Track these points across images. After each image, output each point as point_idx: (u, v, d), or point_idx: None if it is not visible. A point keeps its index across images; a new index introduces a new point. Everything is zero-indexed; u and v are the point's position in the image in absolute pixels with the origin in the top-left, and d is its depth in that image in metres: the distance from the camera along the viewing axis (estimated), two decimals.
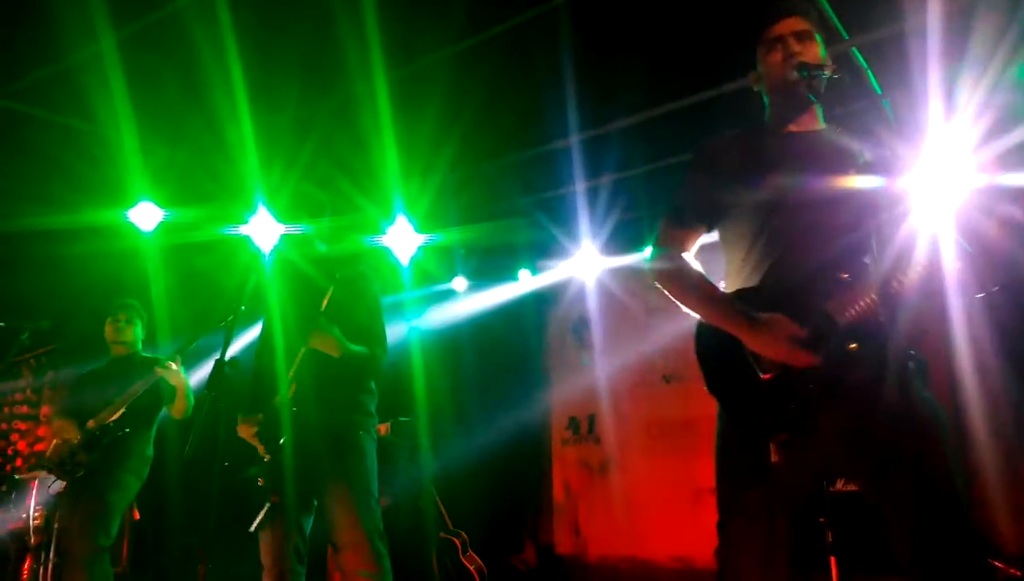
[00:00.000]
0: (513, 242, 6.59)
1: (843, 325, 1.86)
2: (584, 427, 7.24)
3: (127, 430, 4.08)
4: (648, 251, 2.24)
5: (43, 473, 4.26)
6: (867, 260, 1.94)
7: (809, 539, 2.06)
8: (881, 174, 1.88)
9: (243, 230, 5.48)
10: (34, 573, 4.99)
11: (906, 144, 2.08)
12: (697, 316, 2.10)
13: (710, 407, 2.09)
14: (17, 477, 5.33)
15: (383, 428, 6.01)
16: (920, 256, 1.87)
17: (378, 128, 4.57)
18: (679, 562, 6.29)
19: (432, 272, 7.10)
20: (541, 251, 6.89)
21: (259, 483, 2.94)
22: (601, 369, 7.07)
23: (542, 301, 7.54)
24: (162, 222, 5.48)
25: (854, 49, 4.11)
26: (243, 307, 2.98)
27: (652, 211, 5.81)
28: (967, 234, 1.81)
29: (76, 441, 4.04)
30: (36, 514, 5.08)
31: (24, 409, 7.97)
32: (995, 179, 4.28)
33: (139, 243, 5.59)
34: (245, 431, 3.02)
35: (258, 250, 5.42)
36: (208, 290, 5.88)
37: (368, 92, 4.38)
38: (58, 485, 4.10)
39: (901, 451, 1.80)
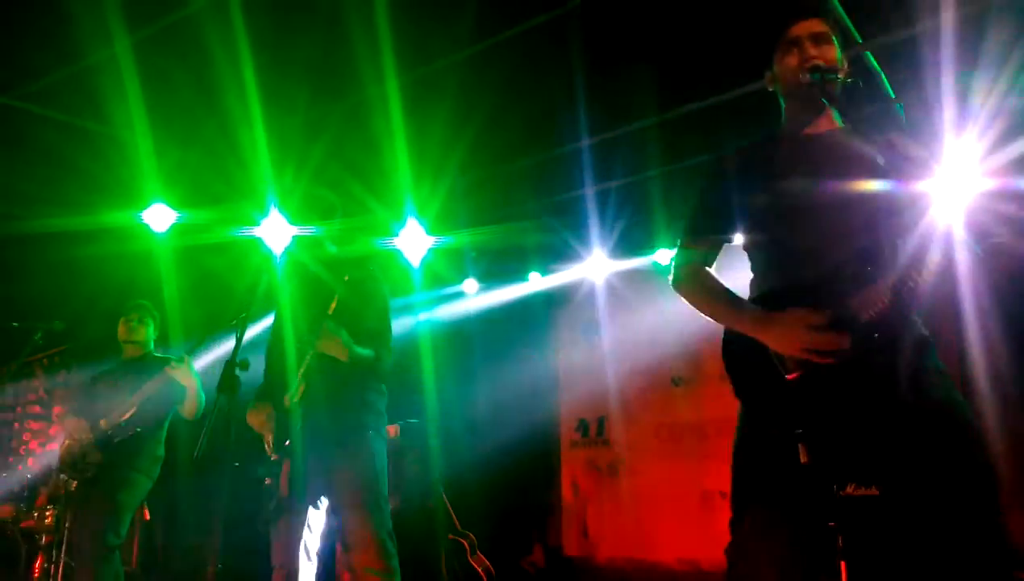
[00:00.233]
0: (523, 245, 6.59)
1: (866, 320, 1.87)
2: (593, 429, 7.24)
3: (138, 430, 4.10)
4: (662, 260, 2.27)
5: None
6: (885, 258, 1.94)
7: (819, 543, 2.05)
8: (896, 176, 1.88)
9: (255, 232, 5.51)
10: (45, 572, 5.02)
11: (920, 147, 2.08)
12: (717, 322, 2.11)
13: (719, 410, 2.09)
14: (29, 476, 5.37)
15: (392, 430, 6.02)
16: (934, 256, 1.87)
17: (390, 131, 4.58)
18: (687, 564, 6.28)
19: (442, 274, 7.11)
20: (551, 254, 6.89)
21: (266, 482, 2.96)
22: (610, 371, 7.07)
23: (552, 303, 7.54)
24: (175, 223, 5.51)
25: (867, 52, 4.10)
26: (254, 308, 3.00)
27: (662, 214, 5.81)
28: (975, 235, 1.80)
29: (88, 441, 4.06)
30: (47, 513, 5.11)
31: (37, 409, 8.03)
32: (1007, 183, 4.26)
33: (152, 244, 5.62)
34: (255, 419, 3.03)
35: (270, 251, 5.45)
36: (220, 291, 5.90)
37: (380, 95, 4.40)
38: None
39: (928, 456, 1.79)
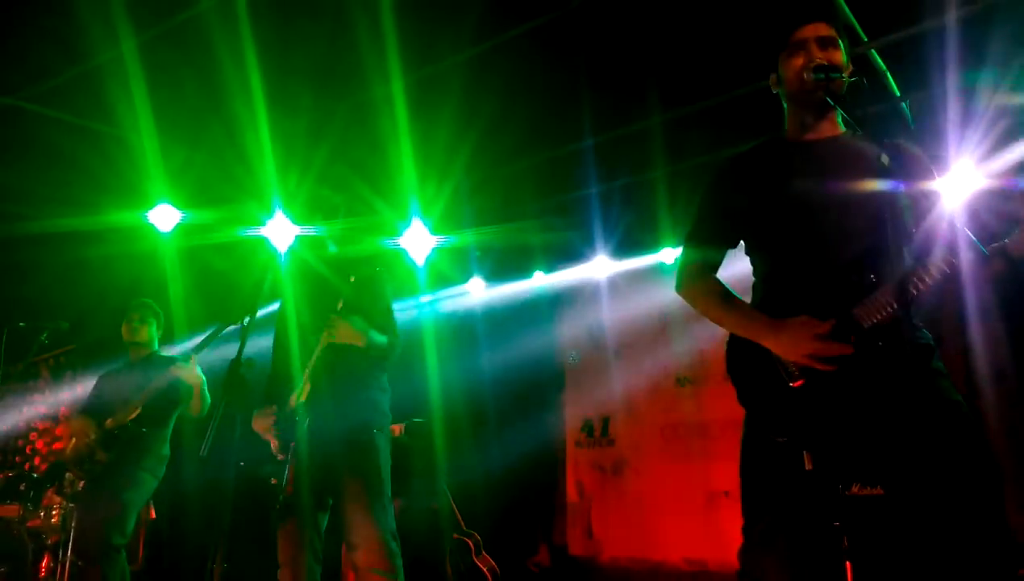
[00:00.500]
0: (528, 244, 6.59)
1: (869, 327, 1.87)
2: (598, 429, 7.24)
3: (144, 429, 4.10)
4: (666, 254, 2.28)
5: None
6: (888, 262, 1.94)
7: (829, 548, 2.05)
8: (900, 178, 1.88)
9: (260, 232, 5.52)
10: (51, 571, 5.03)
11: (925, 147, 2.09)
12: (722, 327, 2.12)
13: (724, 410, 2.10)
14: (35, 476, 5.38)
15: (397, 429, 6.03)
16: (939, 257, 1.87)
17: (394, 131, 4.59)
18: (692, 564, 6.27)
19: (447, 274, 7.12)
20: (556, 253, 6.89)
21: (272, 482, 2.96)
22: (615, 371, 7.07)
23: (557, 303, 7.54)
24: (180, 223, 5.52)
25: (872, 52, 4.09)
26: (259, 307, 3.00)
27: (667, 213, 5.81)
28: (978, 233, 1.80)
29: (94, 440, 4.07)
30: (54, 512, 5.13)
31: (43, 408, 8.06)
32: (1011, 182, 4.26)
33: (158, 244, 5.64)
34: (260, 424, 3.03)
35: (275, 251, 5.46)
36: (225, 290, 5.92)
37: (385, 96, 4.41)
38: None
39: (932, 457, 1.79)
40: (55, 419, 8.04)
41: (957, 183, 4.60)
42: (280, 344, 3.29)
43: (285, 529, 2.93)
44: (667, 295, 2.25)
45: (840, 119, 2.15)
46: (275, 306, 3.42)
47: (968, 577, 1.73)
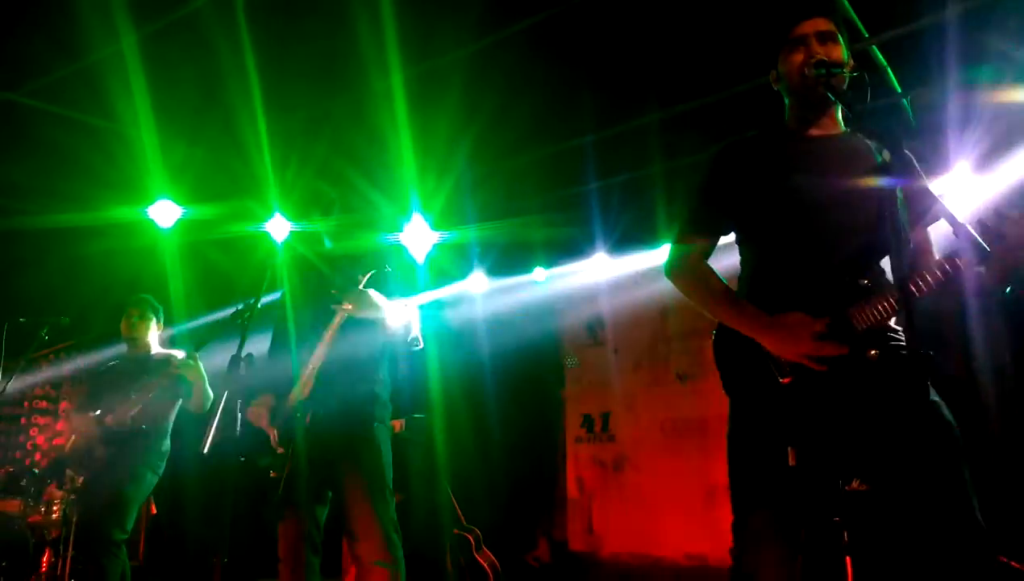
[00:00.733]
0: (528, 240, 6.59)
1: (863, 331, 1.87)
2: (598, 425, 7.24)
3: (144, 426, 4.11)
4: (666, 252, 2.26)
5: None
6: (885, 262, 1.94)
7: (824, 539, 2.06)
8: (900, 176, 1.87)
9: (261, 226, 5.52)
10: (52, 566, 5.04)
11: (926, 144, 2.09)
12: (715, 318, 2.11)
13: (724, 406, 2.10)
14: (36, 471, 5.39)
15: (397, 425, 6.03)
16: (940, 258, 1.87)
17: (395, 126, 4.58)
18: (692, 560, 6.28)
19: (448, 270, 7.12)
20: (556, 249, 6.89)
21: (272, 475, 2.96)
22: (615, 367, 7.07)
23: (557, 299, 7.54)
24: (180, 219, 5.52)
25: (873, 47, 4.08)
26: (257, 302, 3.00)
27: (668, 209, 5.80)
28: (986, 234, 1.80)
29: (94, 436, 4.07)
30: (55, 507, 5.14)
31: (43, 404, 8.06)
32: (1015, 179, 4.25)
33: (158, 240, 5.64)
34: (254, 414, 3.03)
35: (275, 246, 5.46)
36: (226, 286, 5.92)
37: (385, 90, 4.40)
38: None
39: (913, 455, 1.80)
40: (56, 415, 8.04)
41: (960, 181, 4.59)
42: (278, 339, 3.29)
43: (284, 523, 2.94)
44: (667, 291, 2.23)
45: (840, 116, 2.14)
46: (274, 300, 3.41)
47: (947, 567, 1.73)
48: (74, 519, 4.20)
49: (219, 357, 5.17)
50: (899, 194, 1.91)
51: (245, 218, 5.53)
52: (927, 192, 1.84)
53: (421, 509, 6.01)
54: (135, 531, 4.51)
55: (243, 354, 2.82)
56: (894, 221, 1.85)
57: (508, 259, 7.11)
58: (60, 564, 4.82)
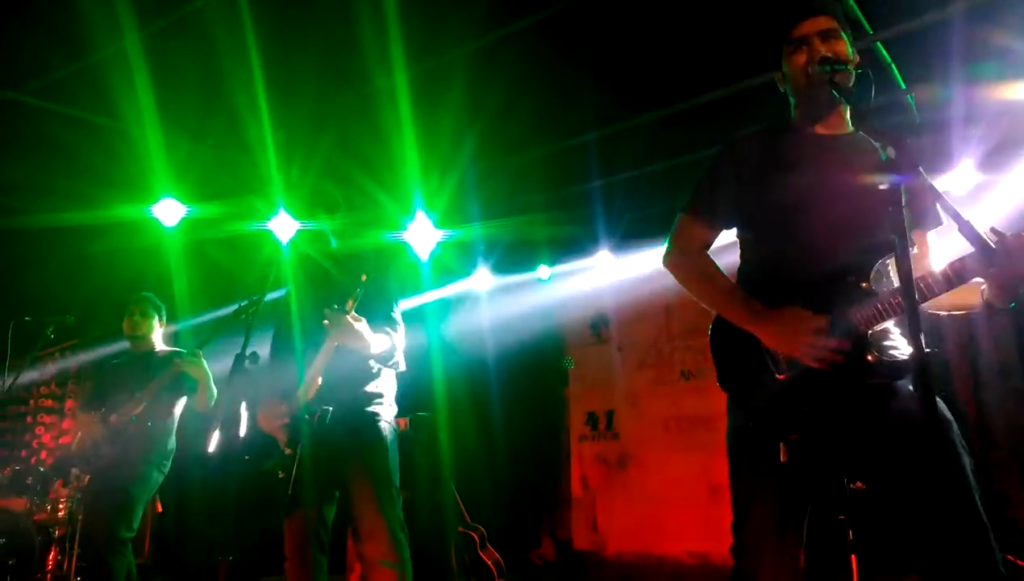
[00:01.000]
0: (532, 238, 6.59)
1: (864, 334, 1.86)
2: (602, 423, 7.24)
3: (149, 424, 4.11)
4: (666, 244, 2.25)
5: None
6: (889, 262, 1.93)
7: (829, 537, 2.06)
8: (904, 176, 1.87)
9: (264, 225, 5.53)
10: (58, 564, 5.06)
11: (929, 141, 2.08)
12: (711, 308, 2.10)
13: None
14: (42, 470, 5.41)
15: (402, 423, 6.04)
16: (949, 262, 1.86)
17: (398, 124, 4.58)
18: (696, 558, 6.28)
19: (451, 268, 7.12)
20: (560, 246, 6.89)
21: (280, 475, 2.97)
22: (619, 365, 7.07)
23: (561, 296, 7.54)
24: (184, 217, 5.53)
25: (877, 44, 4.08)
26: (263, 301, 3.00)
27: (671, 207, 5.79)
28: (990, 233, 1.79)
29: (99, 435, 4.08)
30: (60, 506, 5.15)
31: (49, 403, 8.09)
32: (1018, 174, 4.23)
33: (162, 238, 5.65)
34: (266, 421, 3.03)
35: (279, 245, 5.46)
36: (230, 284, 5.93)
37: (388, 88, 4.40)
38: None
39: (912, 454, 1.79)
40: (61, 413, 8.07)
41: (963, 177, 4.58)
42: (282, 340, 3.29)
43: (291, 521, 2.94)
44: (671, 288, 2.23)
45: (848, 115, 2.13)
46: (277, 298, 3.40)
47: (952, 563, 1.73)
48: (80, 517, 4.21)
49: (223, 354, 5.19)
50: (903, 194, 1.91)
51: (249, 217, 5.53)
52: (931, 192, 1.84)
53: (426, 507, 6.02)
54: (141, 529, 4.52)
55: (248, 352, 2.82)
56: (897, 222, 1.84)
57: (512, 257, 7.12)
58: (66, 562, 4.84)
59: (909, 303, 1.61)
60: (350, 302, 2.84)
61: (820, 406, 1.88)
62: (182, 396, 4.27)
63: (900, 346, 1.90)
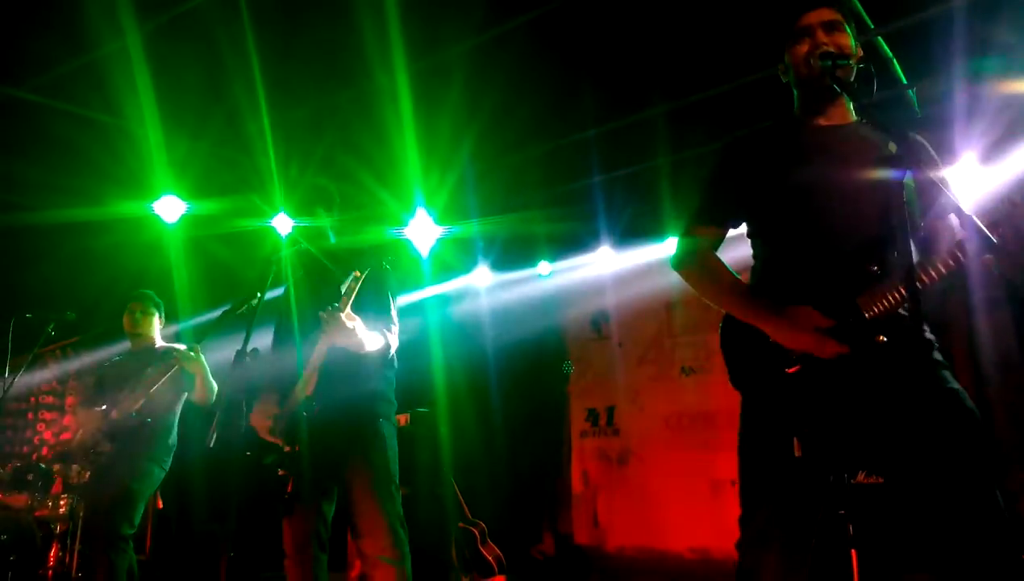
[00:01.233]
0: (533, 234, 6.59)
1: (871, 318, 1.86)
2: (603, 419, 7.25)
3: (148, 419, 4.11)
4: (672, 245, 2.25)
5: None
6: (894, 252, 1.93)
7: (830, 532, 2.06)
8: (908, 166, 1.86)
9: (266, 222, 5.53)
10: (60, 560, 5.06)
11: (932, 135, 2.07)
12: (723, 310, 2.10)
13: (729, 399, 2.09)
14: (43, 466, 5.41)
15: (402, 419, 6.04)
16: (948, 248, 1.86)
17: (399, 121, 4.58)
18: (697, 553, 6.29)
19: (452, 264, 7.12)
20: (561, 242, 6.89)
21: (280, 473, 2.97)
22: (620, 361, 7.07)
23: (561, 293, 7.54)
24: (185, 214, 5.53)
25: (879, 39, 4.07)
26: (262, 297, 3.00)
27: (672, 202, 5.79)
28: (993, 225, 1.79)
29: (99, 432, 4.08)
30: (61, 502, 5.15)
31: (50, 399, 8.09)
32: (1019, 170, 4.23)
33: (163, 235, 5.65)
34: (259, 423, 3.03)
35: (280, 241, 5.46)
36: (231, 281, 5.93)
37: (389, 85, 4.40)
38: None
39: (929, 445, 1.79)
40: (62, 410, 8.07)
41: (964, 172, 4.58)
42: (282, 335, 3.29)
43: (291, 518, 2.95)
44: (672, 284, 2.23)
45: (850, 106, 2.13)
46: (277, 295, 3.40)
47: (973, 562, 1.73)
48: (81, 514, 4.21)
49: (224, 351, 5.20)
50: (909, 184, 1.91)
51: (250, 213, 5.54)
52: (935, 183, 1.83)
53: (426, 503, 6.03)
54: (142, 525, 4.52)
55: (248, 348, 2.82)
56: (901, 211, 1.85)
57: (512, 253, 7.12)
58: (67, 558, 4.84)
59: (911, 293, 1.61)
60: (344, 300, 2.83)
61: (833, 397, 1.88)
62: (182, 391, 4.27)
63: (909, 327, 1.90)
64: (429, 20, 3.94)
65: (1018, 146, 4.37)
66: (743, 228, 2.25)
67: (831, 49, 1.99)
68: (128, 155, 4.98)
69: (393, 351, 3.11)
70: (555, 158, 5.44)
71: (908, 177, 1.89)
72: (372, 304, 3.07)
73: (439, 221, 6.27)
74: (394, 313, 3.21)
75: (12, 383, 4.43)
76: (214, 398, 4.17)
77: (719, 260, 2.16)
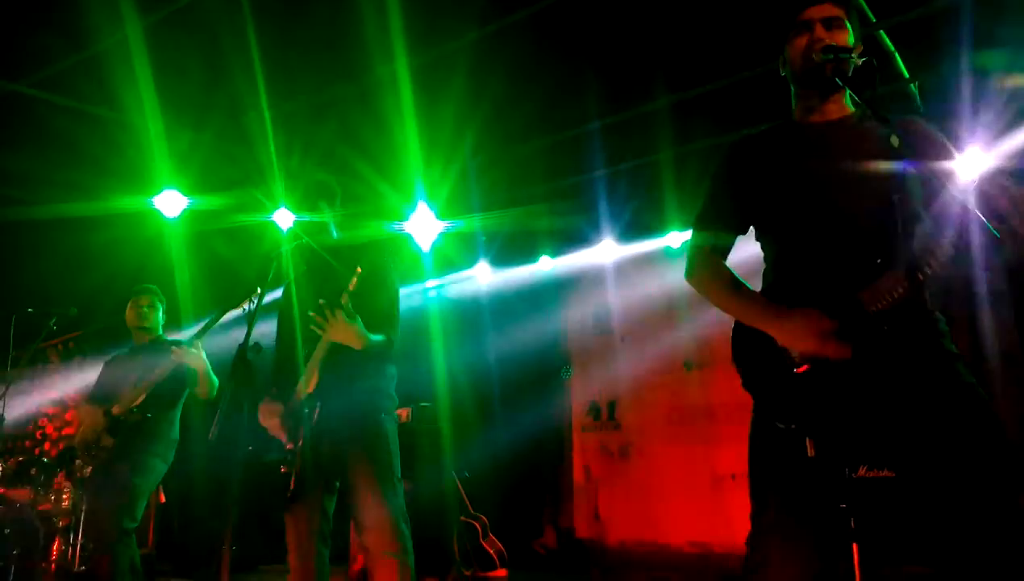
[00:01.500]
0: (534, 228, 6.58)
1: (874, 313, 1.86)
2: (604, 413, 7.25)
3: (149, 414, 4.11)
4: (673, 243, 2.26)
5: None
6: (898, 244, 1.93)
7: (836, 532, 2.06)
8: (910, 158, 1.86)
9: (266, 217, 5.53)
10: (62, 554, 5.08)
11: (934, 128, 2.06)
12: (729, 314, 2.11)
13: (730, 394, 2.10)
14: (46, 460, 5.42)
15: (404, 413, 6.05)
16: (950, 239, 1.85)
17: (400, 114, 4.57)
18: (697, 547, 6.30)
19: (453, 259, 7.12)
20: (562, 237, 6.88)
21: (282, 470, 2.97)
22: (621, 355, 7.07)
23: (563, 287, 7.54)
24: (186, 209, 5.53)
25: (881, 32, 4.05)
26: (264, 292, 2.99)
27: (674, 197, 5.79)
28: (995, 217, 1.79)
29: (101, 426, 4.09)
30: (64, 496, 5.17)
31: (52, 393, 8.11)
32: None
33: (164, 230, 5.65)
34: (267, 421, 3.03)
35: (280, 236, 5.46)
36: (231, 276, 5.93)
37: (390, 77, 4.39)
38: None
39: (941, 442, 1.79)
40: (64, 404, 8.09)
41: (967, 166, 4.57)
42: (284, 331, 3.29)
43: (293, 513, 2.95)
44: (674, 279, 2.25)
45: (848, 100, 2.13)
46: (280, 291, 3.40)
47: (985, 558, 1.73)
48: (83, 508, 4.22)
49: (226, 345, 5.20)
50: (910, 176, 1.90)
51: (251, 208, 5.53)
52: (939, 174, 1.83)
53: (428, 497, 6.04)
54: (144, 519, 4.53)
55: (251, 343, 2.82)
56: (905, 204, 1.84)
57: (514, 247, 7.11)
58: (70, 552, 4.85)
59: (914, 284, 1.61)
60: (345, 296, 2.83)
61: (842, 396, 1.88)
62: (184, 386, 4.27)
63: (915, 320, 1.89)
64: (430, 12, 3.93)
65: (1021, 138, 4.36)
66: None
67: (833, 43, 1.99)
68: (128, 149, 4.98)
69: (395, 347, 3.11)
70: (557, 152, 5.43)
71: (910, 168, 1.89)
72: (374, 300, 3.07)
73: (440, 216, 6.26)
74: (396, 309, 3.20)
75: (15, 377, 4.43)
76: (215, 392, 4.17)
77: (725, 266, 2.17)
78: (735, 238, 2.22)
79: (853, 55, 1.98)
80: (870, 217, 1.94)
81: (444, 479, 6.17)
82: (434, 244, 6.58)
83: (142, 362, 4.24)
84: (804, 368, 1.92)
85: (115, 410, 4.08)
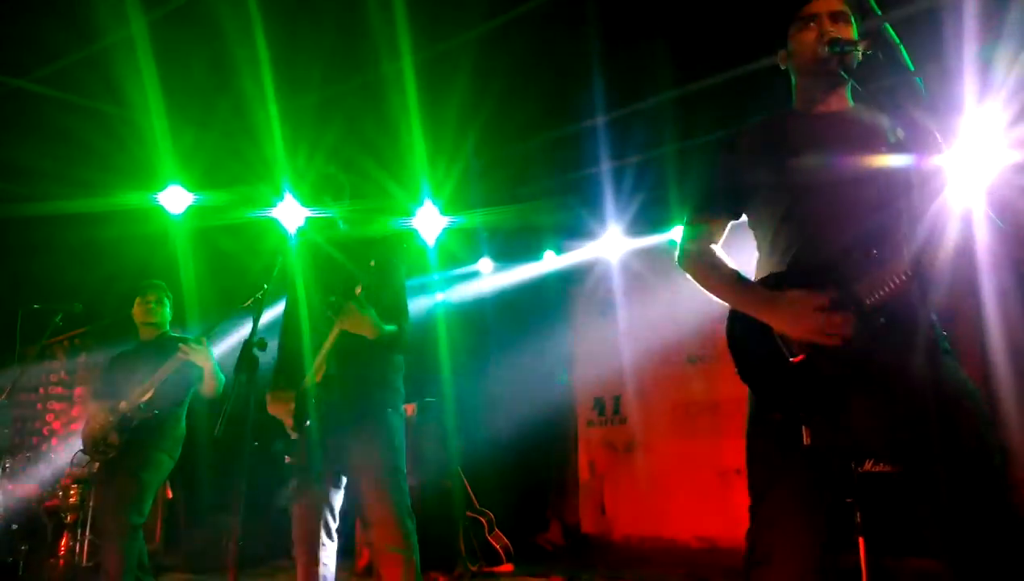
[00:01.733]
0: (539, 223, 6.58)
1: (871, 305, 1.85)
2: (609, 408, 7.26)
3: (157, 411, 4.13)
4: (677, 238, 2.25)
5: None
6: (898, 238, 1.92)
7: (838, 520, 2.05)
8: (912, 151, 1.85)
9: (271, 213, 5.53)
10: (70, 549, 5.10)
11: (939, 121, 2.05)
12: (722, 302, 2.10)
13: (735, 388, 2.09)
14: (53, 456, 5.45)
15: (410, 409, 6.06)
16: (952, 234, 1.85)
17: (405, 110, 4.57)
18: (703, 542, 6.30)
19: (458, 254, 7.12)
20: (566, 232, 6.88)
21: (287, 460, 2.98)
22: (626, 350, 7.07)
23: (568, 282, 7.54)
24: (191, 205, 5.53)
25: (886, 24, 4.03)
26: (269, 287, 3.00)
27: (678, 191, 5.78)
28: (999, 211, 1.78)
29: (108, 423, 4.10)
30: (71, 492, 5.20)
31: (59, 390, 8.14)
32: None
33: (169, 226, 5.66)
34: (276, 408, 3.04)
35: (285, 232, 5.47)
36: (236, 272, 5.94)
37: (395, 73, 4.39)
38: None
39: (935, 431, 1.78)
40: (71, 400, 8.12)
41: (975, 157, 4.55)
42: (290, 325, 3.29)
43: (300, 507, 2.96)
44: (678, 273, 2.24)
45: (849, 93, 2.12)
46: (287, 284, 3.41)
47: (979, 550, 1.73)
48: (91, 503, 4.24)
49: (231, 340, 5.21)
50: (912, 170, 1.89)
51: (256, 204, 5.54)
52: (941, 167, 1.82)
53: (434, 492, 6.05)
54: (151, 515, 4.55)
55: (256, 338, 2.83)
56: (906, 196, 1.84)
57: (519, 242, 7.11)
58: (78, 547, 4.88)
59: (912, 278, 1.60)
60: (359, 288, 2.84)
61: (837, 385, 1.87)
62: (190, 382, 4.28)
63: (912, 314, 1.89)
64: (435, 8, 3.92)
65: None
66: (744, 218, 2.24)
67: (839, 36, 1.98)
68: (133, 145, 4.98)
69: (405, 340, 3.12)
70: (561, 146, 5.43)
71: (913, 161, 1.88)
72: (385, 294, 3.07)
73: (444, 211, 6.26)
74: (405, 301, 3.21)
75: (21, 375, 4.44)
76: (222, 389, 4.18)
77: (718, 253, 2.17)
78: (728, 225, 2.21)
79: (859, 47, 1.98)
80: (868, 209, 1.94)
81: (450, 475, 6.18)
82: (439, 239, 6.58)
83: (149, 358, 4.25)
84: (800, 358, 1.92)
85: (122, 407, 4.10)
